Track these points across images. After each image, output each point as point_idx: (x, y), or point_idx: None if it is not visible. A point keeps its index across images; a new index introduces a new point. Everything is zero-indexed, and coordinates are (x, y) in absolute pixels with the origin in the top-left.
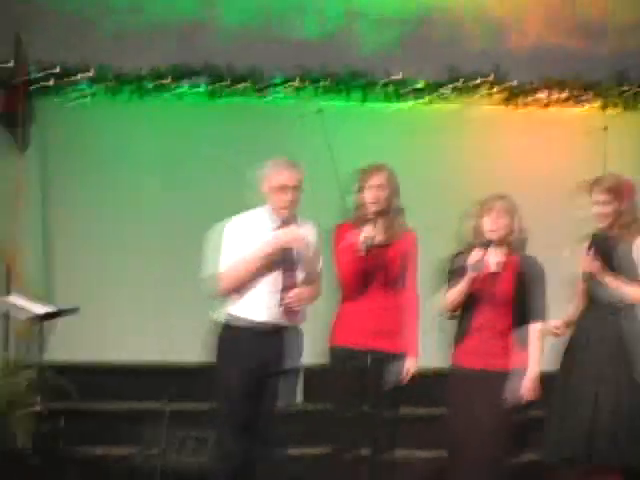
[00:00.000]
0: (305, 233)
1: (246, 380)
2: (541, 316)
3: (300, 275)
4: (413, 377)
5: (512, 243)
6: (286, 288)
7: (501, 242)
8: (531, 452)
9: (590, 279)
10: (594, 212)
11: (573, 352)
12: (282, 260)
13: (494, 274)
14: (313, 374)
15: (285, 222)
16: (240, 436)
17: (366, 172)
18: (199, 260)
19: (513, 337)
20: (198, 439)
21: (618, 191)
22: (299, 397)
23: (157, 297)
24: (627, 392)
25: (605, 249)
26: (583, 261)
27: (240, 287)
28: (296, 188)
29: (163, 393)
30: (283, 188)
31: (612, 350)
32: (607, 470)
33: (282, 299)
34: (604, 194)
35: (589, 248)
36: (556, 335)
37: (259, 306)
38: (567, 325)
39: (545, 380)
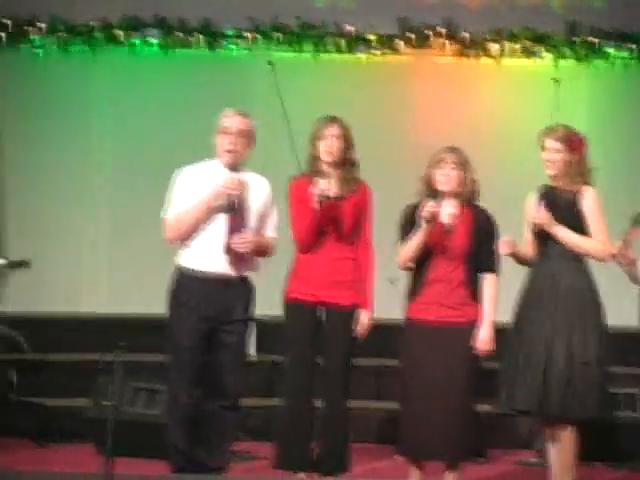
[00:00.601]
0: (253, 184)
1: (193, 332)
2: (494, 267)
3: (248, 226)
4: (367, 329)
5: (464, 195)
6: (230, 239)
7: (453, 195)
8: (485, 403)
9: (540, 231)
10: (544, 158)
11: (526, 305)
12: (227, 210)
13: (447, 226)
14: (267, 326)
15: (231, 171)
16: (190, 388)
17: (321, 124)
18: (151, 212)
19: (467, 289)
20: (151, 391)
21: (569, 141)
22: (252, 349)
23: (109, 249)
24: (580, 344)
25: (553, 201)
26: (533, 213)
27: (183, 236)
28: (240, 133)
29: (115, 345)
30: (225, 131)
31: (564, 303)
32: (561, 422)
33: (226, 245)
34: (555, 142)
35: (538, 200)
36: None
37: (205, 256)
38: (516, 246)
39: (499, 332)
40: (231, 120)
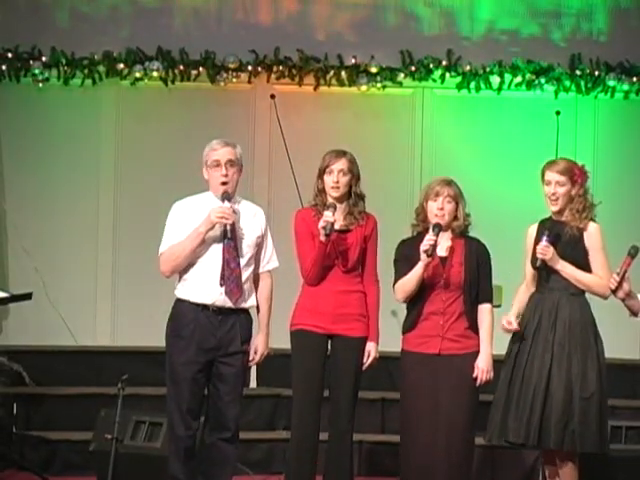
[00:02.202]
0: (248, 213)
1: (191, 364)
2: (490, 298)
3: (243, 256)
4: (374, 361)
5: (457, 228)
6: (227, 269)
7: (447, 227)
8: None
9: (542, 265)
10: (546, 192)
11: (524, 337)
12: (220, 239)
13: (443, 259)
14: (269, 359)
15: (225, 201)
16: (189, 421)
17: (328, 157)
18: (153, 245)
19: (467, 320)
20: (152, 424)
21: (572, 174)
22: (252, 382)
23: (111, 281)
24: (579, 378)
25: (557, 235)
26: (535, 246)
27: (178, 268)
28: (231, 164)
29: (117, 378)
30: (217, 164)
31: (563, 336)
32: (563, 455)
33: (222, 278)
34: (558, 174)
35: (540, 234)
36: (508, 331)
37: (201, 287)
38: (518, 317)
39: (494, 364)
40: (220, 152)
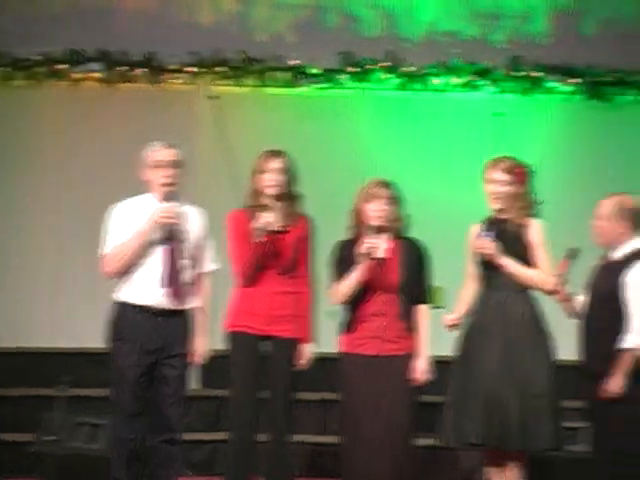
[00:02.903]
0: (189, 215)
1: (135, 367)
2: (426, 299)
3: (185, 258)
4: (309, 362)
5: (395, 230)
6: (169, 270)
7: (384, 229)
8: (425, 437)
9: (485, 262)
10: (489, 191)
11: (473, 337)
12: (164, 240)
13: (382, 260)
14: (211, 360)
15: (166, 201)
16: (131, 422)
17: (264, 157)
18: (94, 245)
19: (404, 322)
20: (93, 425)
21: (515, 173)
22: (195, 383)
23: (52, 282)
24: (529, 375)
25: (499, 232)
26: (478, 244)
27: (122, 269)
28: (173, 165)
29: (59, 379)
30: (159, 165)
31: (513, 334)
32: (512, 456)
33: (163, 280)
34: (502, 174)
35: (485, 231)
36: (452, 329)
37: (144, 290)
38: (461, 318)
39: (442, 365)
40: (163, 153)
